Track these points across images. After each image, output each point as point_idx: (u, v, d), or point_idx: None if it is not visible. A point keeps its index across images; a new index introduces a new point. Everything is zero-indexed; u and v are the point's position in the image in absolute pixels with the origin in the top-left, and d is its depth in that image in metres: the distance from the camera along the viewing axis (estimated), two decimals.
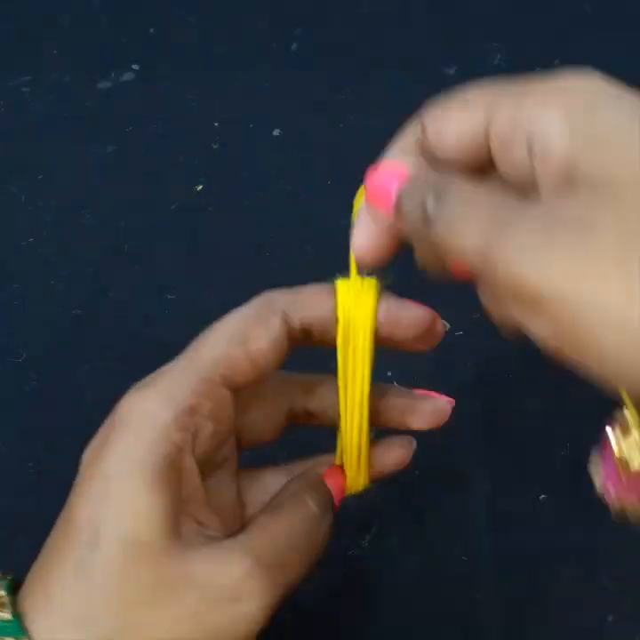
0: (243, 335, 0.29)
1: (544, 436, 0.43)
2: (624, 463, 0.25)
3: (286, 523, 0.29)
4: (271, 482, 0.33)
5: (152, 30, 0.56)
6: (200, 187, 0.51)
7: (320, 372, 0.33)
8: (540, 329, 0.23)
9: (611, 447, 0.26)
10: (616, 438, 0.26)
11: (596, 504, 0.40)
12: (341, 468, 0.33)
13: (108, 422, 0.29)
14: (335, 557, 0.41)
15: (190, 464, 0.28)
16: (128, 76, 0.55)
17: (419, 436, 0.44)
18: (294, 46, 0.55)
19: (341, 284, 0.31)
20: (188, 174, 0.51)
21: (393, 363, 0.40)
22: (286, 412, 0.33)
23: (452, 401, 0.33)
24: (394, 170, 0.28)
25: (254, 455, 0.34)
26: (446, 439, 0.41)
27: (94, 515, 0.27)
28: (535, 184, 0.24)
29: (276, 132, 0.53)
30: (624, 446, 0.25)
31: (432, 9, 0.56)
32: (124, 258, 0.49)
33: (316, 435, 0.34)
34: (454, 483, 0.43)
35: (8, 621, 0.26)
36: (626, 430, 0.25)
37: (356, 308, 0.30)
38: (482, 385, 0.44)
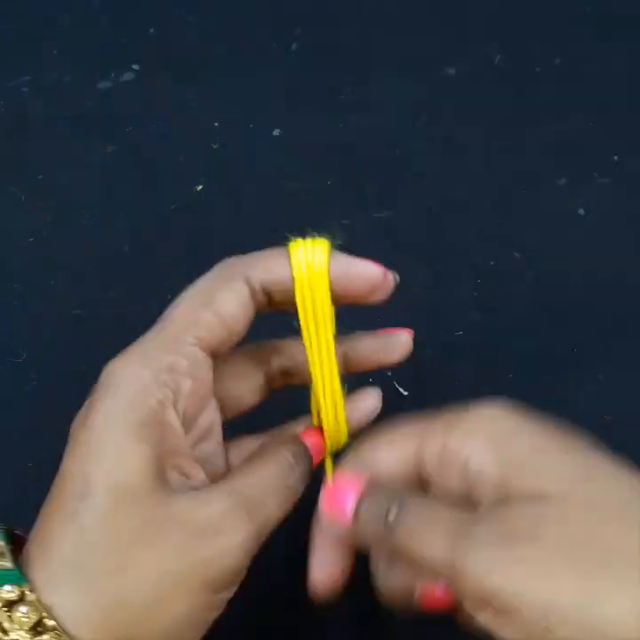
0: (210, 298, 0.31)
1: None
2: None
3: (263, 469, 0.31)
4: (253, 445, 0.35)
5: (152, 30, 0.56)
6: (200, 187, 0.51)
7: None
8: (511, 633, 0.26)
9: None
10: None
11: None
12: (319, 428, 0.35)
13: (92, 391, 0.30)
14: None
15: (173, 418, 0.30)
16: (128, 76, 0.55)
17: None
18: (294, 46, 0.55)
19: (294, 246, 0.33)
20: (188, 174, 0.51)
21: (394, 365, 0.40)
22: (263, 375, 0.35)
23: (411, 331, 0.35)
24: (350, 481, 0.31)
25: (241, 427, 0.35)
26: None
27: (83, 467, 0.28)
28: (471, 499, 0.29)
29: (275, 132, 0.53)
30: None
31: (432, 9, 0.56)
32: (124, 258, 0.49)
33: (300, 405, 0.35)
34: None
35: (9, 570, 0.28)
36: None
37: (310, 268, 0.32)
38: (482, 385, 0.44)
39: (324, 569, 0.34)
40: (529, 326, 0.42)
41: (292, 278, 0.31)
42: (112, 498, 0.28)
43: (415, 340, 0.36)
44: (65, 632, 0.27)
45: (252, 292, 0.32)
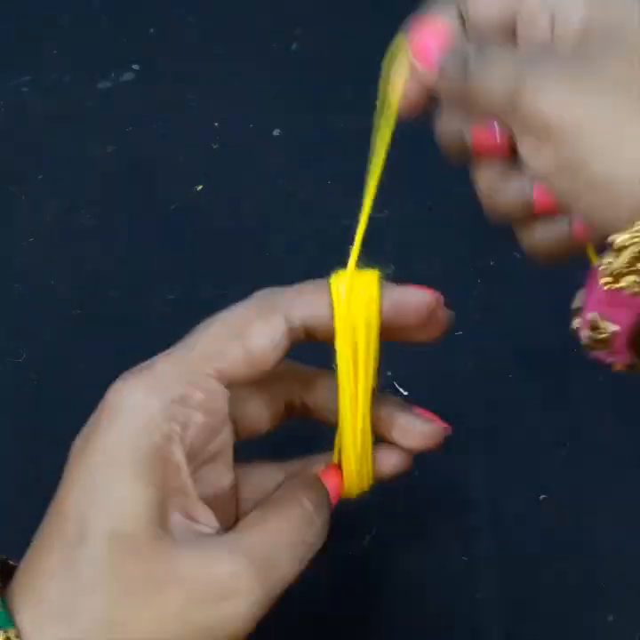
0: (242, 331, 0.29)
1: (544, 436, 0.43)
2: (611, 282, 0.26)
3: (279, 520, 0.28)
4: (267, 478, 0.32)
5: (152, 30, 0.56)
6: (200, 187, 0.51)
7: (321, 366, 0.32)
8: (543, 161, 0.26)
9: (596, 275, 0.27)
10: (605, 265, 0.26)
11: (597, 504, 0.40)
12: (338, 467, 0.33)
13: (96, 411, 0.28)
14: (335, 557, 0.41)
15: (179, 455, 0.28)
16: (128, 76, 0.55)
17: None
18: (294, 46, 0.55)
19: (336, 279, 0.31)
20: (188, 174, 0.51)
21: (393, 363, 0.40)
22: (284, 403, 0.33)
23: (448, 428, 0.33)
24: (437, 29, 0.30)
25: (253, 448, 0.34)
26: (446, 439, 0.41)
27: (81, 508, 0.26)
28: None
29: (275, 132, 0.53)
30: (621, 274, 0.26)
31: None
32: (124, 258, 0.49)
33: (318, 429, 0.33)
34: (454, 482, 0.43)
35: None
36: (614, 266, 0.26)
37: (356, 302, 0.30)
38: (482, 385, 0.44)
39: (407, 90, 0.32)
40: (529, 326, 0.42)
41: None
42: (110, 547, 0.26)
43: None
44: None
45: (290, 328, 0.29)
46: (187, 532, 0.27)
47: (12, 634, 0.25)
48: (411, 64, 0.31)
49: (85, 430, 0.28)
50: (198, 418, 0.28)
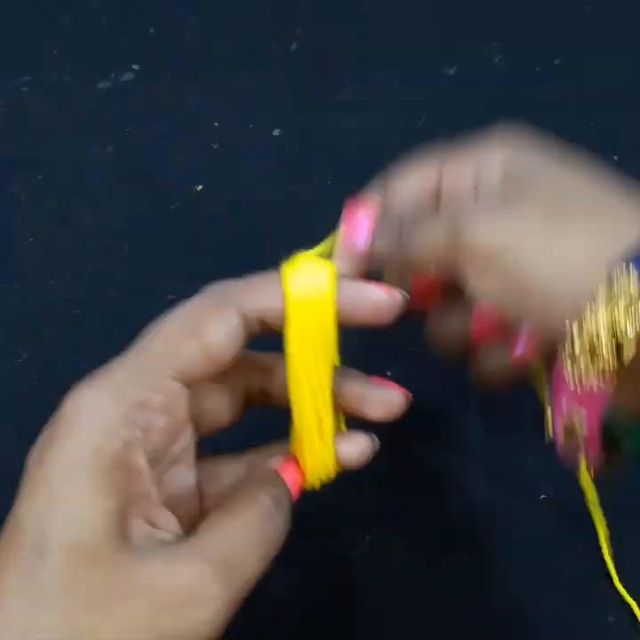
0: (197, 327, 0.29)
1: (544, 436, 0.43)
2: (578, 377, 0.28)
3: (239, 521, 0.28)
4: (228, 472, 0.32)
5: (152, 30, 0.56)
6: (200, 187, 0.51)
7: (279, 352, 0.31)
8: (489, 285, 0.29)
9: (562, 371, 0.28)
10: (569, 359, 0.28)
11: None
12: (295, 459, 0.32)
13: (52, 421, 0.28)
14: (335, 558, 0.41)
15: (140, 461, 0.27)
16: (128, 76, 0.55)
17: (419, 437, 0.44)
18: (294, 46, 0.55)
19: (290, 269, 0.31)
20: (188, 174, 0.51)
21: (393, 364, 0.40)
22: (243, 393, 0.33)
23: (409, 394, 0.33)
24: (365, 213, 0.34)
25: (213, 441, 0.33)
26: (446, 439, 0.41)
27: (40, 521, 0.26)
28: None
29: (275, 132, 0.53)
30: (579, 364, 0.28)
31: (432, 9, 0.56)
32: (125, 258, 0.49)
33: (277, 419, 0.33)
34: (454, 483, 0.43)
35: None
36: (573, 357, 0.28)
37: (311, 292, 0.30)
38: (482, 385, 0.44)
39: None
40: None
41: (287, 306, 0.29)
42: (69, 560, 0.25)
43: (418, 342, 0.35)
44: None
45: (245, 321, 0.29)
46: (148, 539, 0.27)
47: None
48: (346, 246, 0.34)
49: (41, 440, 0.27)
50: (159, 421, 0.28)
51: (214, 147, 0.52)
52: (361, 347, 0.37)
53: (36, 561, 0.25)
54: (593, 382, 0.27)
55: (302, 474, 0.32)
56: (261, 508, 0.28)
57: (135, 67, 0.55)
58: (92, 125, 0.53)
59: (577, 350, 0.27)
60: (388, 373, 0.43)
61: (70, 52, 0.56)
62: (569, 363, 0.27)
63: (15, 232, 0.50)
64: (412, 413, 0.44)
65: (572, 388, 0.28)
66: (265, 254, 0.49)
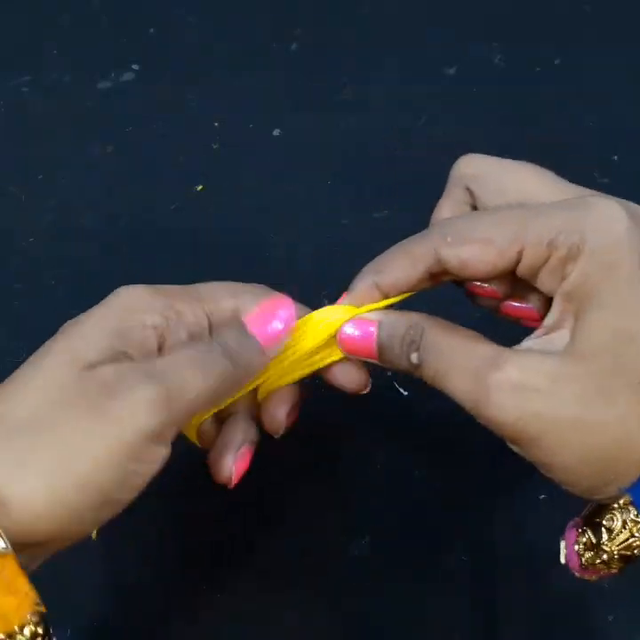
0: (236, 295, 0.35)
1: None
2: (583, 558, 0.30)
3: (185, 352, 0.32)
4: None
5: (152, 30, 0.56)
6: (200, 187, 0.51)
7: None
8: (539, 456, 0.30)
9: (573, 544, 0.31)
10: (578, 543, 0.31)
11: None
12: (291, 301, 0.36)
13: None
14: (335, 557, 0.41)
15: (151, 342, 0.32)
16: (128, 76, 0.55)
17: (419, 436, 0.44)
18: (294, 46, 0.55)
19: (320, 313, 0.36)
20: (188, 174, 0.51)
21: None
22: None
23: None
24: (365, 322, 0.34)
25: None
26: (446, 439, 0.41)
27: (56, 340, 0.32)
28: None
29: (276, 132, 0.53)
30: (584, 551, 0.30)
31: (432, 9, 0.56)
32: (125, 258, 0.49)
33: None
34: (454, 482, 0.43)
35: None
36: (591, 546, 0.30)
37: (320, 331, 0.35)
38: None
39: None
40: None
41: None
42: (56, 362, 0.30)
43: None
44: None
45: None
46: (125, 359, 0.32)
47: None
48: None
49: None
50: (182, 335, 0.33)
51: (214, 147, 0.52)
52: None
53: (31, 366, 0.31)
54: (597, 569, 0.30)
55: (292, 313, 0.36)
56: (206, 345, 0.32)
57: (135, 67, 0.55)
58: (92, 125, 0.53)
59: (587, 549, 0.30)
60: (388, 374, 0.43)
61: (70, 52, 0.56)
62: (582, 547, 0.30)
63: (15, 232, 0.50)
64: (413, 416, 0.44)
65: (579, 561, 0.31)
66: (265, 254, 0.49)
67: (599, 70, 0.54)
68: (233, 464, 0.34)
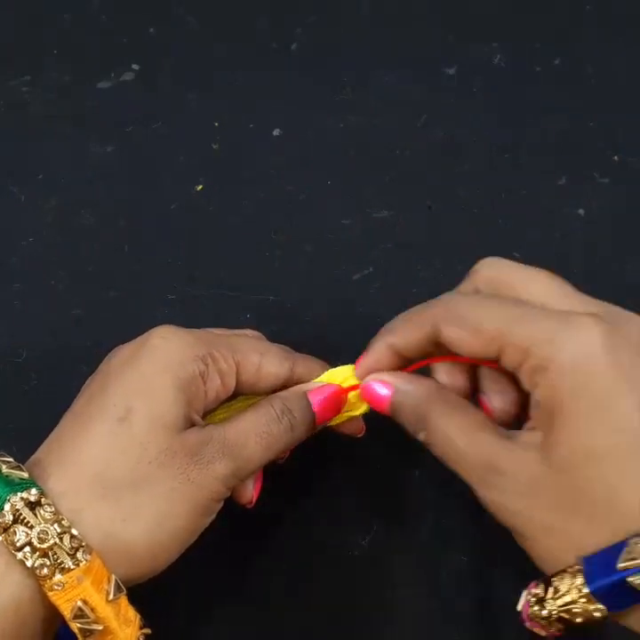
0: (263, 353, 0.38)
1: None
2: (531, 609, 0.33)
3: (250, 416, 0.36)
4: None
5: (152, 30, 0.56)
6: (200, 187, 0.51)
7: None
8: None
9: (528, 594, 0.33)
10: (530, 593, 0.33)
11: None
12: (338, 386, 0.38)
13: (136, 343, 0.37)
14: (335, 557, 0.41)
15: (202, 382, 0.36)
16: (128, 76, 0.55)
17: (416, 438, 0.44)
18: (294, 46, 0.55)
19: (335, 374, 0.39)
20: (188, 174, 0.51)
21: None
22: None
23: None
24: (382, 384, 0.37)
25: None
26: None
27: (129, 399, 0.34)
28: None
29: (276, 132, 0.53)
30: (534, 603, 0.32)
31: (432, 9, 0.56)
32: (124, 258, 0.49)
33: None
34: (454, 483, 0.43)
35: (26, 479, 0.32)
36: (539, 600, 0.32)
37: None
38: None
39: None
40: None
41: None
42: (148, 425, 0.34)
43: None
44: (79, 536, 0.31)
45: (291, 371, 0.39)
46: (195, 423, 0.36)
47: (40, 495, 0.32)
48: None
49: (125, 352, 0.36)
50: (217, 380, 0.37)
51: (214, 147, 0.52)
52: None
53: (119, 425, 0.34)
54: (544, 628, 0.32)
55: (340, 396, 0.38)
56: (269, 409, 0.37)
57: (135, 67, 0.55)
58: (92, 125, 0.53)
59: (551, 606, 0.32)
60: None
61: (70, 52, 0.56)
62: (537, 608, 0.32)
63: (15, 232, 0.50)
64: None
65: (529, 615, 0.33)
66: (265, 254, 0.49)
67: (599, 70, 0.54)
68: (253, 488, 0.38)
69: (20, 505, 0.31)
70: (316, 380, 0.39)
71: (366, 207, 0.50)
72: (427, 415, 0.35)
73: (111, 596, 0.31)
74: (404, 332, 0.37)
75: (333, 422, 0.39)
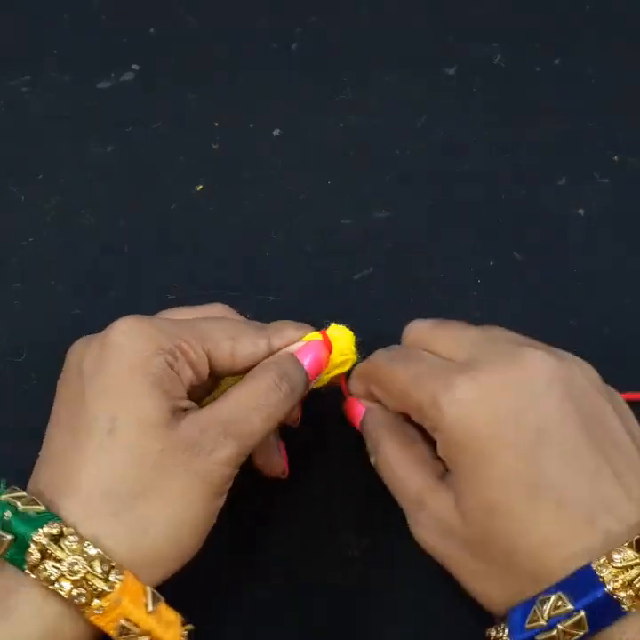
0: (236, 336, 0.38)
1: None
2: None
3: (247, 388, 0.36)
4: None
5: (152, 30, 0.56)
6: (200, 187, 0.51)
7: None
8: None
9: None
10: (489, 634, 0.35)
11: None
12: (320, 341, 0.39)
13: (97, 343, 0.36)
14: (335, 557, 0.41)
15: (175, 373, 0.35)
16: (128, 76, 0.55)
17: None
18: (294, 46, 0.55)
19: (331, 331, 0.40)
20: (188, 174, 0.51)
21: None
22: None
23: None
24: (358, 405, 0.41)
25: None
26: None
27: (111, 408, 0.33)
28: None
29: (275, 132, 0.53)
30: None
31: (432, 9, 0.56)
32: (124, 258, 0.49)
33: None
34: None
35: (43, 512, 0.32)
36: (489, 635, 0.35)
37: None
38: None
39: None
40: (528, 326, 0.42)
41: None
42: (137, 431, 0.33)
43: None
44: (108, 557, 0.32)
45: (269, 351, 0.38)
46: (181, 413, 0.35)
47: (63, 524, 0.32)
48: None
49: (93, 350, 0.35)
50: (188, 372, 0.36)
51: (214, 147, 0.52)
52: None
53: (108, 437, 0.33)
54: None
55: (326, 354, 0.39)
56: (269, 379, 0.36)
57: (135, 67, 0.55)
58: (92, 125, 0.53)
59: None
60: None
61: (70, 52, 0.56)
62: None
63: (15, 232, 0.50)
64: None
65: None
66: (265, 254, 0.49)
67: (599, 70, 0.54)
68: (280, 457, 0.40)
69: (45, 541, 0.31)
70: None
71: (366, 207, 0.50)
72: (379, 441, 0.38)
73: (151, 608, 0.32)
74: (356, 387, 0.41)
75: (317, 385, 0.40)
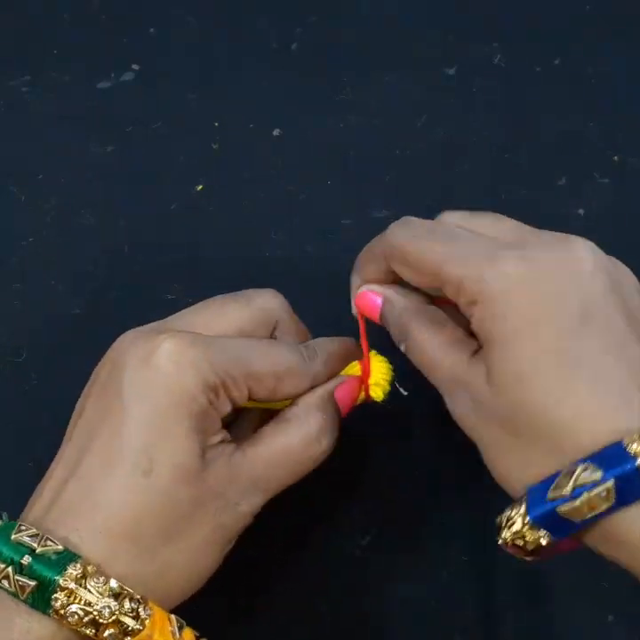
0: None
1: None
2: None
3: (286, 440, 0.35)
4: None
5: (152, 30, 0.56)
6: (200, 187, 0.51)
7: None
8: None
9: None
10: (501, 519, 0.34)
11: None
12: (359, 378, 0.38)
13: (146, 363, 0.34)
14: (335, 557, 0.41)
15: (214, 413, 0.34)
16: (128, 76, 0.55)
17: (420, 436, 0.44)
18: (294, 46, 0.55)
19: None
20: (188, 174, 0.51)
21: (393, 362, 0.40)
22: None
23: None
24: (374, 294, 0.38)
25: None
26: (447, 439, 0.41)
27: (149, 445, 0.32)
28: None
29: (275, 132, 0.53)
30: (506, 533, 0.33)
31: (432, 9, 0.56)
32: (124, 258, 0.49)
33: None
34: (454, 483, 0.43)
35: (62, 552, 0.31)
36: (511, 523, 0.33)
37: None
38: None
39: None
40: None
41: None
42: (172, 477, 0.32)
43: None
44: (136, 596, 0.31)
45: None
46: (216, 453, 0.34)
47: (83, 565, 0.31)
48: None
49: (140, 369, 0.34)
50: (227, 407, 0.35)
51: (214, 147, 0.52)
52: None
53: (145, 479, 0.32)
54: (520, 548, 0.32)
55: (358, 390, 0.38)
56: (309, 431, 0.36)
57: (135, 67, 0.55)
58: (92, 125, 0.53)
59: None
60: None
61: (70, 52, 0.56)
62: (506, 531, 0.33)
63: (15, 232, 0.50)
64: (414, 413, 0.44)
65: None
66: (265, 254, 0.49)
67: (599, 70, 0.54)
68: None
69: (72, 585, 0.30)
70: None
71: (366, 207, 0.50)
72: (408, 327, 0.37)
73: (177, 636, 0.32)
74: (367, 270, 0.39)
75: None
